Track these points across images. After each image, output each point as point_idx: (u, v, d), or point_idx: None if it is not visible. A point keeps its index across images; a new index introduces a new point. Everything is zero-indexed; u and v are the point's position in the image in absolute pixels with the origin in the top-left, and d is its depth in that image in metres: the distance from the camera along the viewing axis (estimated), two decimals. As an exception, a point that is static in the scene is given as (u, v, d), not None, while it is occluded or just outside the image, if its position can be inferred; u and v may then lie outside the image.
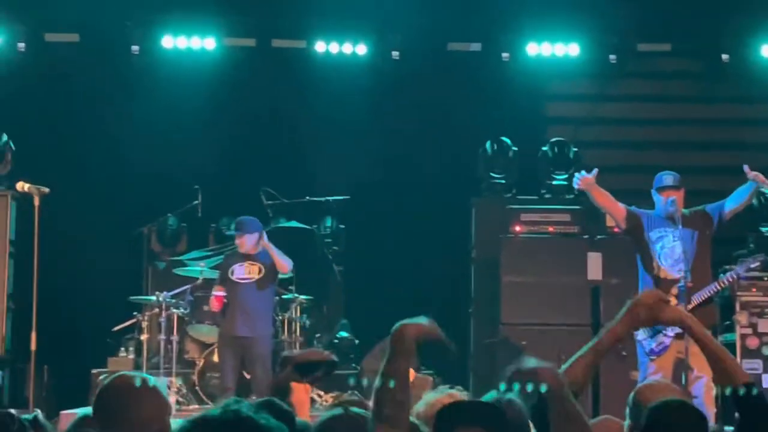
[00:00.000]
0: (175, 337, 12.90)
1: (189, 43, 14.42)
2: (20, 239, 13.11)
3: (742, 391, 4.60)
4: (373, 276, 14.15)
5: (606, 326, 4.78)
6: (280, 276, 12.82)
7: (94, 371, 12.13)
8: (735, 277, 11.38)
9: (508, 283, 12.96)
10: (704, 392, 10.40)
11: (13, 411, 5.74)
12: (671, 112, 15.06)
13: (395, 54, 14.51)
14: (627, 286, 11.45)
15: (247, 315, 12.29)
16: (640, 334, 10.79)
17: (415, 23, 14.30)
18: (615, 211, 10.88)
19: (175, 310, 12.96)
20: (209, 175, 14.18)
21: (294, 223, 14.13)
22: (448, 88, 14.49)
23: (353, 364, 13.42)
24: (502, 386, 4.31)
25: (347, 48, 14.53)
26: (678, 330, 10.48)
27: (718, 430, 8.12)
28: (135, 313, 13.25)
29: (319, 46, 14.52)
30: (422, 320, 4.44)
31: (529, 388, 4.18)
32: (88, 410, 4.93)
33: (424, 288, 13.71)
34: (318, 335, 13.87)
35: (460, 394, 5.47)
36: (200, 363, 12.78)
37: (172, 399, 11.73)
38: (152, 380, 4.77)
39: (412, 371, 6.48)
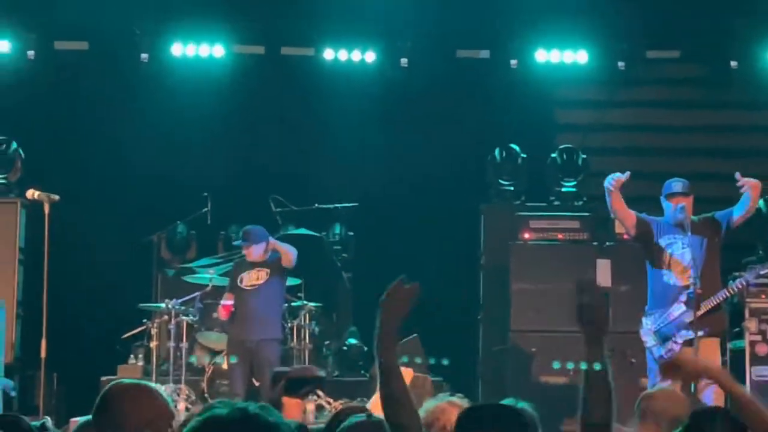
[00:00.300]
0: (184, 344, 12.92)
1: (198, 50, 14.40)
2: (30, 246, 13.13)
3: None
4: (382, 283, 13.81)
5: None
6: (289, 282, 12.88)
7: (103, 378, 12.09)
8: (744, 284, 11.37)
9: (517, 290, 13.00)
10: (713, 399, 10.36)
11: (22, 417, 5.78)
12: (680, 119, 15.09)
13: (404, 61, 14.49)
14: (637, 293, 11.51)
15: (256, 320, 12.36)
16: (650, 341, 10.77)
17: (424, 30, 14.34)
18: (626, 218, 10.89)
19: (184, 318, 12.99)
20: (218, 182, 14.21)
21: (303, 231, 14.13)
22: (457, 95, 14.53)
23: (362, 371, 13.37)
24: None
25: (356, 55, 14.53)
26: (688, 336, 10.49)
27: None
28: (144, 320, 13.33)
29: (328, 54, 14.51)
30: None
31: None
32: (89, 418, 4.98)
33: (433, 294, 13.51)
34: (327, 342, 13.92)
35: (460, 401, 5.56)
36: (209, 370, 12.80)
37: (181, 406, 11.76)
38: (153, 386, 4.81)
39: (410, 370, 6.45)
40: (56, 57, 14.48)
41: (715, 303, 10.64)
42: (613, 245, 12.74)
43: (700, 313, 10.48)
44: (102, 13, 13.69)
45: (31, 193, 11.86)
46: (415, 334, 12.75)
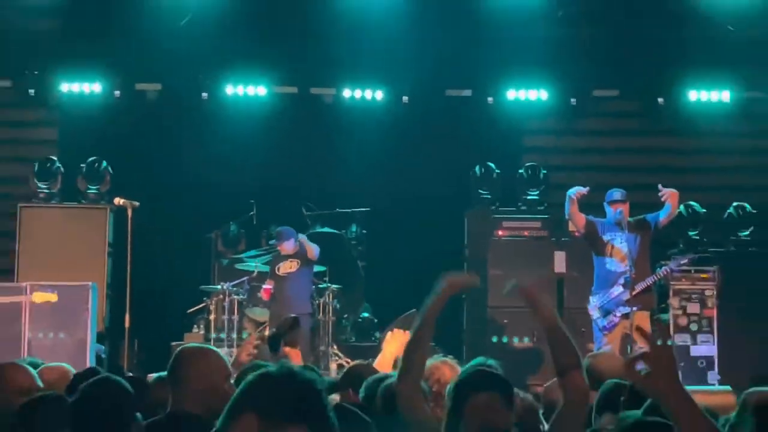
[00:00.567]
0: (235, 317, 12.96)
1: (246, 90, 14.40)
2: (116, 242, 13.10)
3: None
4: (388, 270, 14.11)
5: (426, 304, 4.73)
6: (316, 269, 13.01)
7: (173, 343, 12.07)
8: (669, 270, 11.54)
9: (493, 275, 12.93)
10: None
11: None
12: (619, 143, 15.04)
13: (405, 99, 14.49)
14: (585, 277, 11.61)
15: (291, 299, 12.44)
16: (595, 315, 10.91)
17: (420, 75, 14.28)
18: (578, 220, 11.02)
19: (235, 296, 13.03)
20: (262, 192, 14.20)
21: (327, 229, 14.17)
22: (446, 124, 14.50)
23: (373, 338, 13.48)
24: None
25: (368, 94, 14.50)
26: (625, 311, 10.65)
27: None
28: (205, 298, 13.36)
29: (346, 93, 14.50)
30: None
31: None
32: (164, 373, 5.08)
33: (428, 279, 13.31)
34: (345, 315, 13.93)
35: (451, 361, 5.51)
36: (256, 339, 12.74)
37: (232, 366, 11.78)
38: (215, 349, 4.91)
39: (407, 332, 6.56)
40: (136, 95, 14.48)
41: (646, 285, 10.79)
42: (567, 240, 12.78)
43: (634, 293, 10.60)
44: (171, 61, 13.75)
45: (117, 201, 11.83)
46: (414, 310, 12.85)
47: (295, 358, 9.48)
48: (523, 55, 13.79)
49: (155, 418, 4.50)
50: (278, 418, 2.69)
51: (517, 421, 4.16)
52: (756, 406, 3.72)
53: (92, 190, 13.69)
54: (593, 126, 15.06)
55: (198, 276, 13.91)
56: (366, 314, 14.09)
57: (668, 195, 10.70)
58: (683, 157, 14.68)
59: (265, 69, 14.31)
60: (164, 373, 4.92)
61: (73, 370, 5.91)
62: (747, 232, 13.58)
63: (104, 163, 13.71)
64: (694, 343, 12.35)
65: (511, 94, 14.56)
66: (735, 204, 13.67)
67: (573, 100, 14.70)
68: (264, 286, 12.76)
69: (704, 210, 13.48)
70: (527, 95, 14.58)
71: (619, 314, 10.68)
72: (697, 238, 13.46)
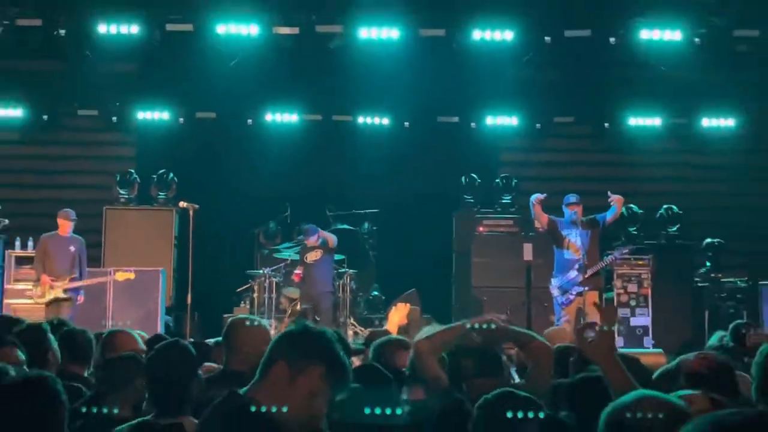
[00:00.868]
0: (274, 295, 12.99)
1: (281, 117, 14.39)
2: (181, 236, 13.12)
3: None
4: (393, 258, 14.10)
5: (458, 323, 4.28)
6: (336, 257, 12.99)
7: (225, 315, 12.03)
8: (614, 258, 11.53)
9: (476, 263, 13.03)
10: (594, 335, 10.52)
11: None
12: (574, 158, 14.99)
13: (406, 123, 14.46)
14: (547, 264, 11.58)
15: (316, 281, 12.41)
16: (556, 293, 10.89)
17: (418, 104, 14.20)
18: (542, 219, 11.01)
19: (273, 279, 13.05)
20: (295, 197, 14.13)
21: (345, 226, 14.11)
22: (438, 144, 14.42)
23: (381, 312, 13.45)
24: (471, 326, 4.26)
25: (377, 120, 14.47)
26: (580, 289, 10.63)
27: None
28: (250, 280, 13.33)
29: (360, 119, 14.48)
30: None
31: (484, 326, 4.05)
32: (219, 339, 5.05)
33: (424, 266, 13.66)
34: (360, 294, 13.86)
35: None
36: (289, 311, 12.85)
37: (272, 332, 11.82)
38: (258, 320, 4.89)
39: (409, 305, 6.50)
40: (196, 122, 14.47)
41: (595, 270, 10.79)
42: (534, 235, 12.69)
43: (586, 276, 10.62)
44: (223, 94, 13.69)
45: (182, 204, 11.87)
46: (413, 289, 12.85)
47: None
48: (498, 89, 13.77)
49: (212, 374, 4.49)
50: (301, 361, 2.76)
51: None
52: (685, 374, 3.97)
53: (162, 195, 13.73)
54: (554, 145, 14.99)
55: (244, 263, 13.91)
56: (376, 293, 14.04)
57: (615, 199, 10.72)
58: (624, 169, 14.62)
59: (296, 101, 14.28)
60: (219, 339, 4.91)
61: (145, 335, 5.93)
62: (674, 228, 13.62)
63: (171, 175, 13.77)
64: (633, 315, 12.33)
65: (489, 120, 14.55)
66: (665, 206, 13.71)
67: (538, 125, 14.67)
68: (295, 271, 12.76)
69: (641, 211, 13.53)
70: (502, 121, 14.57)
71: (574, 293, 10.69)
72: (636, 233, 13.49)
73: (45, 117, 14.41)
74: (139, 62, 13.93)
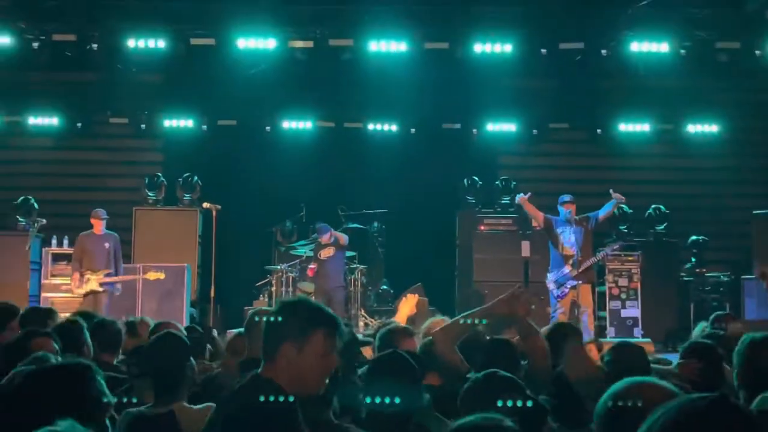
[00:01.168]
0: (290, 289, 12.96)
1: (297, 125, 14.41)
2: (204, 235, 13.11)
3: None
4: (401, 255, 14.08)
5: (486, 305, 4.37)
6: (348, 254, 12.98)
7: (245, 308, 12.14)
8: (605, 254, 11.49)
9: (478, 259, 13.03)
10: (587, 320, 10.51)
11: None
12: (568, 162, 14.94)
13: (412, 130, 14.44)
14: (543, 260, 11.56)
15: (329, 276, 12.40)
16: (552, 287, 10.85)
17: (424, 112, 14.21)
18: (538, 217, 10.98)
19: (290, 274, 13.04)
20: (309, 198, 14.11)
21: (356, 225, 14.09)
22: (442, 149, 14.38)
23: (389, 304, 13.43)
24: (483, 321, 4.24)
25: (386, 127, 14.46)
26: (573, 284, 10.59)
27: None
28: (268, 275, 13.34)
29: (370, 126, 14.47)
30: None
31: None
32: (241, 330, 5.07)
33: (430, 262, 13.62)
34: (370, 288, 13.88)
35: (447, 321, 5.44)
36: (304, 304, 12.85)
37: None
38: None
39: (416, 296, 6.49)
40: (218, 128, 14.47)
41: (588, 265, 10.74)
42: (530, 233, 12.72)
43: (579, 270, 10.60)
44: (243, 103, 13.73)
45: (205, 205, 11.87)
46: (419, 283, 12.84)
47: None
48: (497, 98, 13.76)
49: (241, 359, 4.48)
50: (302, 336, 2.79)
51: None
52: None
53: (187, 197, 13.73)
54: (550, 149, 14.95)
55: (263, 259, 13.89)
56: (385, 287, 14.02)
57: (617, 196, 10.68)
58: (615, 171, 14.55)
59: (311, 109, 14.30)
60: (241, 330, 4.91)
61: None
62: (662, 227, 13.62)
63: (195, 178, 13.79)
64: (624, 307, 12.34)
65: (490, 127, 14.52)
66: (653, 206, 13.71)
67: (535, 131, 14.63)
68: (309, 266, 12.71)
69: (631, 210, 13.50)
70: (501, 127, 14.54)
71: (569, 286, 10.63)
72: (626, 231, 13.49)
73: (79, 124, 14.45)
74: (166, 74, 13.96)
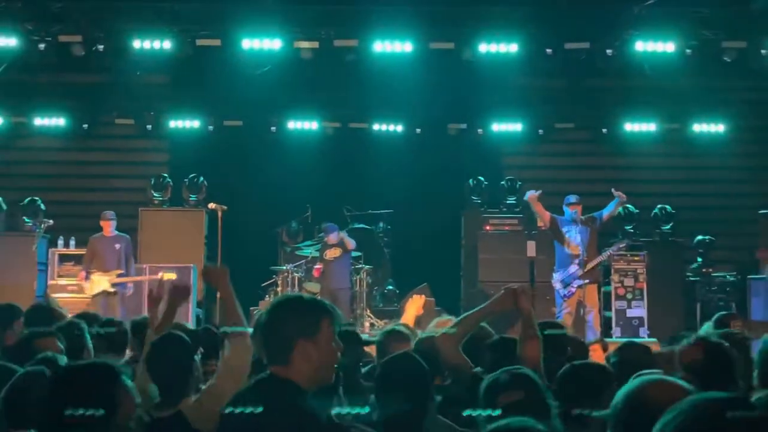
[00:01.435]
0: (296, 289, 12.84)
1: (303, 125, 14.41)
2: (210, 235, 13.05)
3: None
4: (406, 255, 14.08)
5: (486, 304, 4.37)
6: (353, 254, 12.97)
7: (251, 308, 12.03)
8: (611, 253, 11.48)
9: (483, 259, 13.00)
10: (593, 319, 10.51)
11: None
12: (574, 162, 14.93)
13: (418, 130, 14.44)
14: (549, 259, 11.56)
15: (334, 277, 12.41)
16: (558, 286, 10.84)
17: (429, 113, 14.23)
18: (544, 217, 10.98)
19: (296, 274, 13.00)
20: (314, 198, 14.10)
21: (362, 225, 14.08)
22: (448, 149, 14.37)
23: (395, 304, 13.44)
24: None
25: (391, 127, 14.47)
26: (579, 284, 10.58)
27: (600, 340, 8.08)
28: (274, 275, 13.30)
29: (375, 126, 14.47)
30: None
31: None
32: (249, 329, 5.05)
33: (435, 261, 13.61)
34: (376, 288, 13.87)
35: (453, 321, 5.43)
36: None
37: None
38: None
39: (423, 297, 6.49)
40: (224, 129, 14.47)
41: (594, 264, 10.76)
42: (536, 233, 12.68)
43: (585, 270, 10.59)
44: (249, 104, 13.74)
45: (211, 205, 11.81)
46: (425, 283, 12.82)
47: None
48: (503, 98, 13.78)
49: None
50: (313, 327, 2.80)
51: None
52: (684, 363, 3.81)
53: (193, 197, 13.72)
54: (555, 149, 14.95)
55: (269, 259, 13.86)
56: (390, 287, 14.02)
57: (619, 194, 10.67)
58: (621, 171, 14.54)
59: (316, 109, 14.31)
60: (249, 329, 4.90)
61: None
62: (668, 227, 13.59)
63: (201, 178, 13.78)
64: (630, 307, 12.33)
65: (495, 127, 14.51)
66: (659, 206, 13.68)
67: (540, 131, 14.63)
68: (315, 267, 12.71)
69: (637, 210, 13.48)
70: (507, 127, 14.53)
71: (575, 286, 10.64)
72: (632, 230, 13.45)
73: (85, 126, 14.48)
74: (171, 75, 13.99)
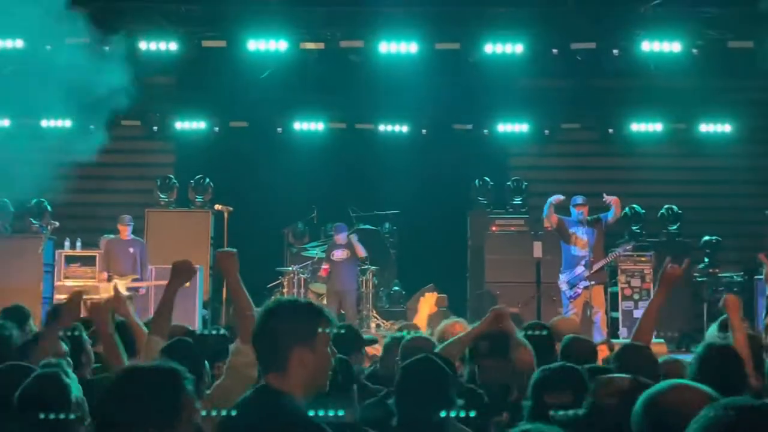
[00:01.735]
0: (302, 290, 12.93)
1: (308, 126, 14.44)
2: (216, 236, 13.07)
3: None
4: (412, 256, 14.11)
5: (473, 327, 4.45)
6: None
7: (257, 310, 12.04)
8: (617, 254, 11.47)
9: (489, 259, 12.99)
10: (600, 320, 10.48)
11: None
12: (580, 162, 14.93)
13: (424, 131, 14.46)
14: (556, 260, 11.52)
15: (342, 279, 12.41)
16: (564, 287, 10.81)
17: (435, 113, 14.23)
18: (552, 218, 10.95)
19: (302, 275, 13.01)
20: (320, 199, 14.14)
21: (368, 226, 14.09)
22: (454, 149, 14.32)
23: (401, 305, 13.45)
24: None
25: (397, 128, 14.46)
26: (585, 285, 10.54)
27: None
28: (279, 277, 13.30)
29: (381, 127, 14.48)
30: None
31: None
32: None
33: (441, 262, 13.63)
34: (382, 289, 13.88)
35: (460, 320, 5.43)
36: (317, 305, 12.83)
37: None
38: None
39: (435, 293, 6.48)
40: (230, 130, 14.51)
41: (600, 265, 10.73)
42: (542, 233, 12.69)
43: (592, 271, 10.57)
44: (255, 105, 13.74)
45: (217, 207, 12.00)
46: (431, 284, 12.80)
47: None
48: (509, 99, 13.72)
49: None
50: (312, 327, 2.71)
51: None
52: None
53: (199, 199, 13.76)
54: (561, 150, 14.94)
55: (275, 260, 13.87)
56: (396, 288, 14.03)
57: (610, 200, 10.63)
58: (628, 171, 14.54)
59: (322, 110, 14.32)
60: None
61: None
62: (674, 227, 13.57)
63: (207, 180, 13.82)
64: (636, 308, 12.29)
65: (501, 127, 14.51)
66: (666, 206, 13.66)
67: (546, 131, 14.63)
68: (323, 266, 12.71)
69: (643, 210, 13.47)
70: (513, 128, 14.53)
71: (581, 287, 10.61)
72: (638, 231, 13.46)
73: (92, 127, 14.47)
74: (177, 76, 14.00)
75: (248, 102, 13.66)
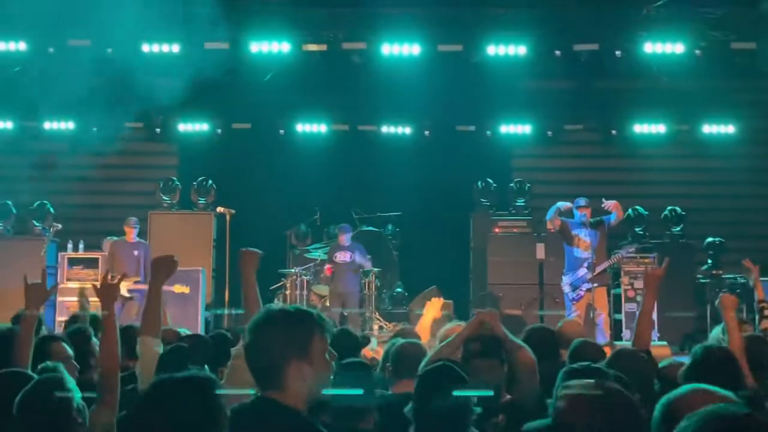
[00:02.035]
0: (304, 292, 12.95)
1: (311, 128, 14.46)
2: (219, 238, 13.10)
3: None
4: (415, 257, 14.09)
5: (461, 330, 4.43)
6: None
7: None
8: (620, 256, 11.45)
9: (492, 261, 13.00)
10: (603, 322, 10.46)
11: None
12: (583, 164, 14.92)
13: (426, 132, 14.47)
14: (558, 262, 11.50)
15: (344, 281, 12.39)
16: (566, 289, 10.79)
17: (438, 114, 14.24)
18: (555, 220, 10.93)
19: (304, 277, 13.01)
20: (324, 201, 14.11)
21: (371, 228, 14.11)
22: (457, 151, 14.35)
23: (404, 307, 13.44)
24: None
25: (399, 129, 14.48)
26: (588, 287, 10.53)
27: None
28: (282, 278, 13.29)
29: (384, 129, 14.49)
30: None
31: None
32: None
33: (444, 264, 13.61)
34: (384, 290, 13.87)
35: (463, 326, 5.44)
36: (319, 306, 12.82)
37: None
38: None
39: (440, 299, 6.46)
40: (233, 132, 14.52)
41: (603, 267, 10.69)
42: (545, 235, 12.66)
43: (595, 273, 10.55)
44: (257, 107, 13.78)
45: (219, 209, 11.93)
46: (434, 286, 12.80)
47: None
48: (511, 100, 13.72)
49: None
50: (306, 338, 2.60)
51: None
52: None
53: (201, 201, 13.77)
54: (564, 151, 14.93)
55: (277, 262, 13.82)
56: (399, 289, 14.01)
57: (609, 206, 10.59)
58: (631, 173, 14.54)
59: (325, 112, 14.34)
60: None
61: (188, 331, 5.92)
62: (678, 228, 13.54)
63: (210, 182, 13.83)
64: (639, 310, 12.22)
65: (503, 129, 14.52)
66: (669, 207, 13.63)
67: (549, 133, 14.63)
68: (327, 266, 12.71)
69: (646, 212, 13.45)
70: (515, 129, 14.53)
71: (584, 289, 10.58)
72: (642, 232, 13.44)
73: (94, 129, 14.50)
74: (180, 78, 13.99)
75: (251, 104, 13.67)
